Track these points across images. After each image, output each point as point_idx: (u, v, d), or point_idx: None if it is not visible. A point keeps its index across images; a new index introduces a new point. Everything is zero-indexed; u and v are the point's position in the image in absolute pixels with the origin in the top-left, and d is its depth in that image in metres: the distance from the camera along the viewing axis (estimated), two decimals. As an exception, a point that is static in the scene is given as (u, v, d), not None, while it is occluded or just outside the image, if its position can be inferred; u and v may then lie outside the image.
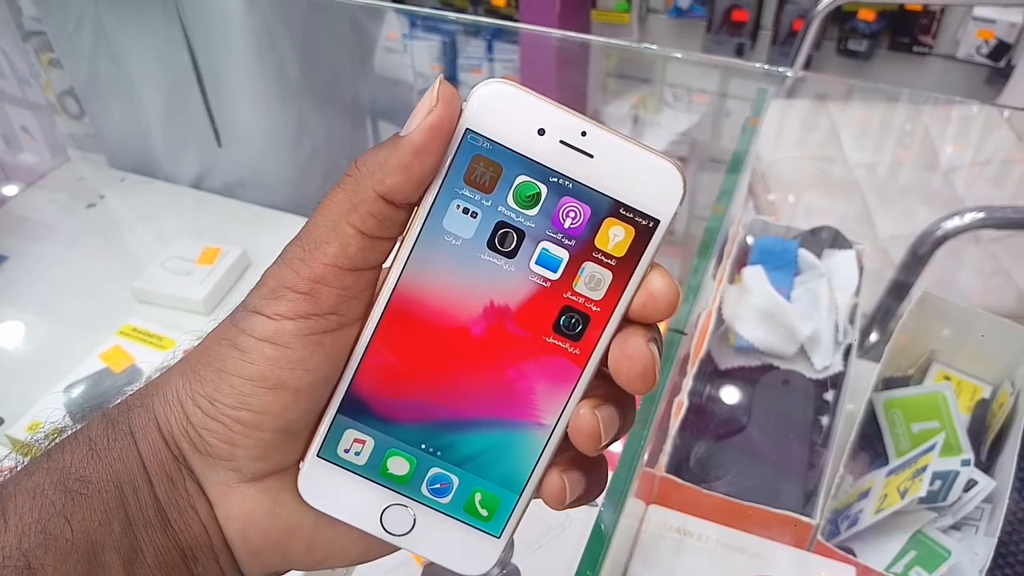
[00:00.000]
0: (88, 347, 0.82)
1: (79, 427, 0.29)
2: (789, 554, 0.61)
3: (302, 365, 0.27)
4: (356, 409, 0.29)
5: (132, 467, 0.28)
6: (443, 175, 0.27)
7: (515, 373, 0.28)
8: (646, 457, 0.54)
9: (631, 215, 0.27)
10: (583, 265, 0.27)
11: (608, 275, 0.27)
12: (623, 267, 0.27)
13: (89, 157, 1.21)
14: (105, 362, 0.80)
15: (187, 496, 0.28)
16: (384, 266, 0.29)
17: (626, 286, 0.27)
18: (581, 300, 0.28)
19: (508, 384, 0.28)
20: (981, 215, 1.13)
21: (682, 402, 0.68)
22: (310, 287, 0.27)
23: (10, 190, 1.12)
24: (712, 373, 0.79)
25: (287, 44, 0.99)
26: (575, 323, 0.28)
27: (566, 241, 0.27)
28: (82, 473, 0.27)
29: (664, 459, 0.67)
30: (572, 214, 0.27)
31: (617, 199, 0.27)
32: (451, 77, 1.90)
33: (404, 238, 0.28)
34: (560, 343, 0.28)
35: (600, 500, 0.52)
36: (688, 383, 0.70)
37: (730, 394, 0.77)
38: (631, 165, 0.27)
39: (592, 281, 0.27)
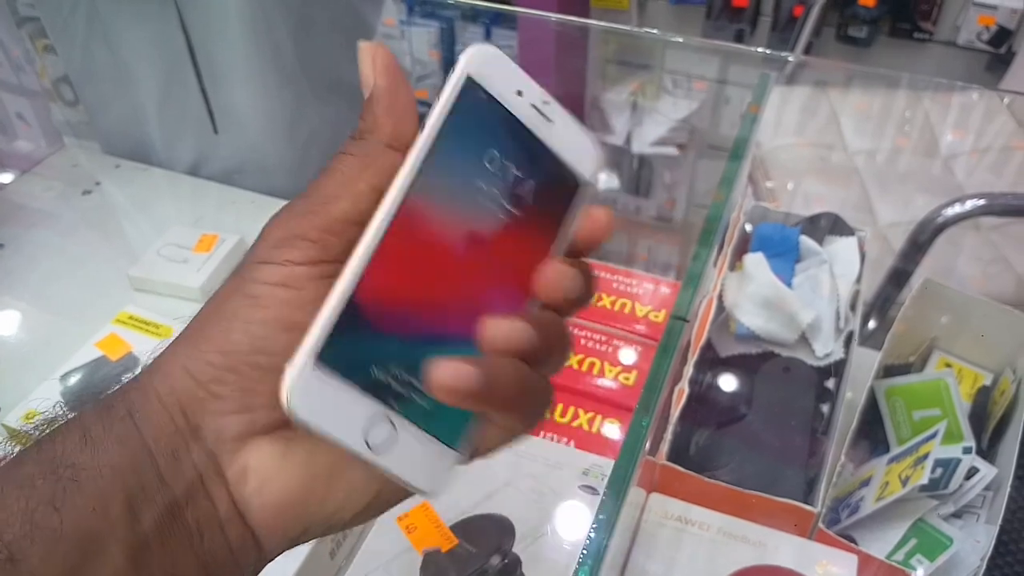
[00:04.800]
0: (84, 335, 0.81)
1: (72, 416, 0.28)
2: (790, 542, 0.61)
3: (315, 305, 0.28)
4: (352, 316, 0.29)
5: (133, 449, 0.27)
6: (442, 115, 0.30)
7: (491, 288, 0.31)
8: (647, 445, 0.54)
9: (571, 173, 0.33)
10: (537, 202, 0.32)
11: (552, 214, 0.32)
12: (561, 211, 0.33)
13: (84, 144, 1.20)
14: (101, 350, 0.79)
15: (192, 468, 0.28)
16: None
17: (561, 224, 0.32)
18: (537, 227, 0.32)
19: (484, 298, 0.31)
20: (982, 202, 1.13)
21: (683, 390, 0.68)
22: (320, 236, 0.28)
23: (5, 177, 1.11)
24: (713, 361, 0.78)
25: (284, 29, 0.98)
26: (534, 244, 0.32)
27: (526, 184, 0.32)
28: (74, 461, 0.26)
29: (665, 447, 0.67)
30: (532, 165, 0.32)
31: (564, 159, 0.32)
32: (449, 63, 1.89)
33: (407, 156, 0.30)
34: (524, 260, 0.32)
35: (601, 489, 0.52)
36: (689, 371, 0.70)
37: (731, 382, 0.77)
38: (573, 135, 0.33)
39: (542, 213, 0.32)
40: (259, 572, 0.31)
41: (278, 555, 0.31)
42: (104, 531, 0.26)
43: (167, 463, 0.27)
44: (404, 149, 0.29)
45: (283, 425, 0.29)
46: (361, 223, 0.28)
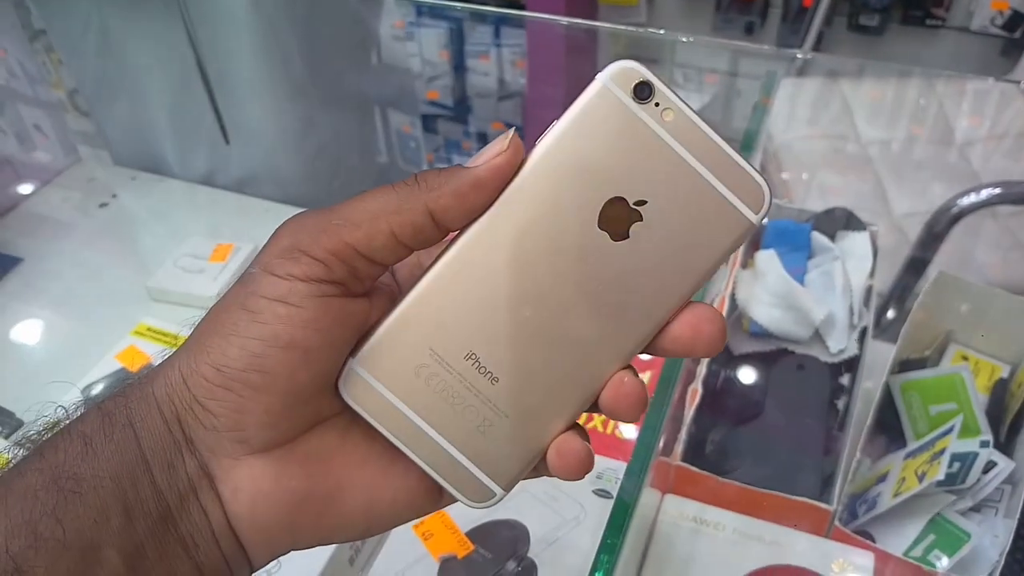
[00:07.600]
0: (104, 347, 0.82)
1: (72, 423, 0.29)
2: (807, 541, 0.61)
3: (313, 325, 0.28)
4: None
5: (131, 459, 0.28)
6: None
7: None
8: (661, 446, 0.54)
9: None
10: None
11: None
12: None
13: (101, 155, 1.21)
14: (121, 362, 0.80)
15: (187, 480, 0.28)
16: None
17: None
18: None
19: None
20: (998, 191, 1.12)
21: (697, 390, 0.68)
22: (325, 256, 0.28)
23: (25, 189, 1.12)
24: (726, 359, 0.78)
25: (292, 38, 0.99)
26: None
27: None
28: (76, 471, 0.27)
29: (680, 447, 0.67)
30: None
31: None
32: (459, 64, 1.89)
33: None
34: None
35: (615, 492, 0.52)
36: (702, 370, 0.70)
37: (745, 380, 0.77)
38: None
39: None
40: None
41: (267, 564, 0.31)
42: (104, 540, 0.26)
43: (162, 474, 0.28)
44: (438, 224, 0.28)
45: (278, 445, 0.29)
46: (367, 256, 0.28)
